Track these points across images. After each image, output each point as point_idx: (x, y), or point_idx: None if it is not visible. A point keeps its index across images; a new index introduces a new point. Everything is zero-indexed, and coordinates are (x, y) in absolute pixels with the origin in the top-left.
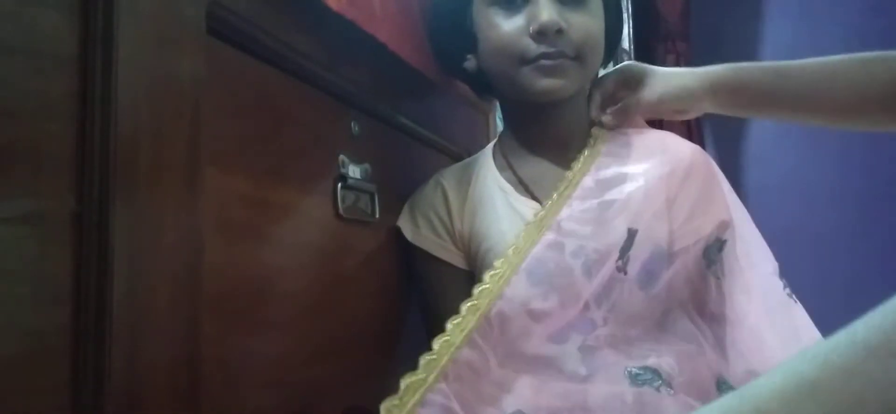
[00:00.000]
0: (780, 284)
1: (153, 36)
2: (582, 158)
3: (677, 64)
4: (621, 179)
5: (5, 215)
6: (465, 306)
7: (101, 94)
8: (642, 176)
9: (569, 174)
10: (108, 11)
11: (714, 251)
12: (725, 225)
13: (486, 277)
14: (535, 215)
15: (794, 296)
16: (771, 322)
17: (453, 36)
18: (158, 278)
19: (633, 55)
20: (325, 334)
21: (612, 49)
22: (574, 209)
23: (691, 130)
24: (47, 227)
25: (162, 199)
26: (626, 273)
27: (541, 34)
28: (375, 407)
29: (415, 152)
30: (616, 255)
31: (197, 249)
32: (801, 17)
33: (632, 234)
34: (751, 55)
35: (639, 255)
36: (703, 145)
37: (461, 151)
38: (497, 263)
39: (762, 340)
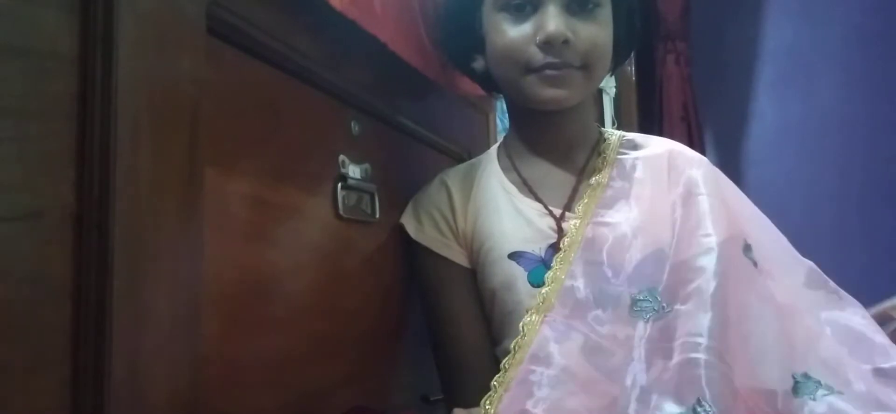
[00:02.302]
0: (813, 291)
1: (153, 36)
2: (584, 203)
3: (677, 64)
4: (624, 214)
5: (5, 215)
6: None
7: (101, 94)
8: (647, 201)
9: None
10: (108, 11)
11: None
12: (739, 236)
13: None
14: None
15: (840, 291)
16: (816, 320)
17: (462, 37)
18: (158, 278)
19: (633, 55)
20: (326, 334)
21: (622, 57)
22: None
23: (691, 131)
24: (47, 227)
25: (162, 200)
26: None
27: (547, 44)
28: (376, 407)
29: (415, 152)
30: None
31: (197, 249)
32: (801, 17)
33: (639, 262)
34: (751, 55)
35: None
36: (702, 145)
37: (461, 151)
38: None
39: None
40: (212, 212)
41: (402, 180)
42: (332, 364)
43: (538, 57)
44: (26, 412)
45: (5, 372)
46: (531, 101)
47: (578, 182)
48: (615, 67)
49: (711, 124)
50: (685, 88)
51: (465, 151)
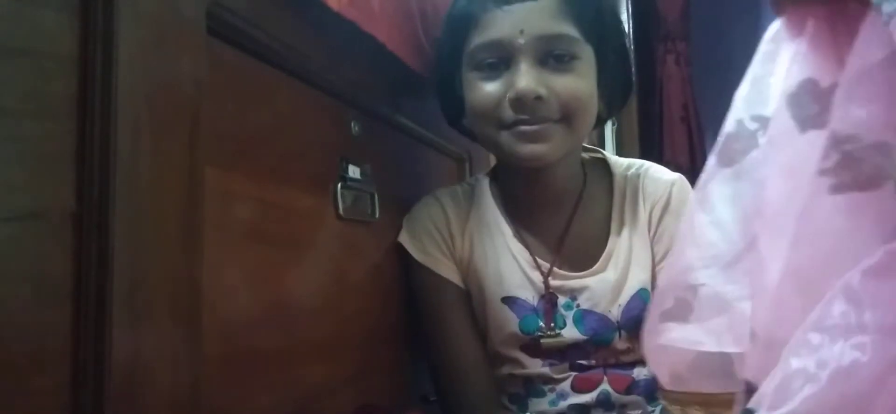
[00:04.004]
0: None
1: (153, 36)
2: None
3: (677, 64)
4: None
5: (5, 215)
6: None
7: (101, 94)
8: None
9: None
10: (108, 11)
11: None
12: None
13: None
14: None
15: None
16: None
17: (447, 98)
18: (158, 278)
19: (633, 55)
20: (326, 334)
21: (617, 104)
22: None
23: (691, 131)
24: (47, 227)
25: (162, 200)
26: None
27: (518, 101)
28: (382, 406)
29: (415, 152)
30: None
31: (197, 249)
32: None
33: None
34: (751, 55)
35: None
36: (703, 146)
37: (461, 152)
38: None
39: None
40: (212, 212)
41: (402, 180)
42: (333, 364)
43: (509, 114)
44: (26, 412)
45: (5, 372)
46: (511, 158)
47: (565, 232)
48: (610, 115)
49: (711, 124)
50: (685, 88)
51: (465, 152)
